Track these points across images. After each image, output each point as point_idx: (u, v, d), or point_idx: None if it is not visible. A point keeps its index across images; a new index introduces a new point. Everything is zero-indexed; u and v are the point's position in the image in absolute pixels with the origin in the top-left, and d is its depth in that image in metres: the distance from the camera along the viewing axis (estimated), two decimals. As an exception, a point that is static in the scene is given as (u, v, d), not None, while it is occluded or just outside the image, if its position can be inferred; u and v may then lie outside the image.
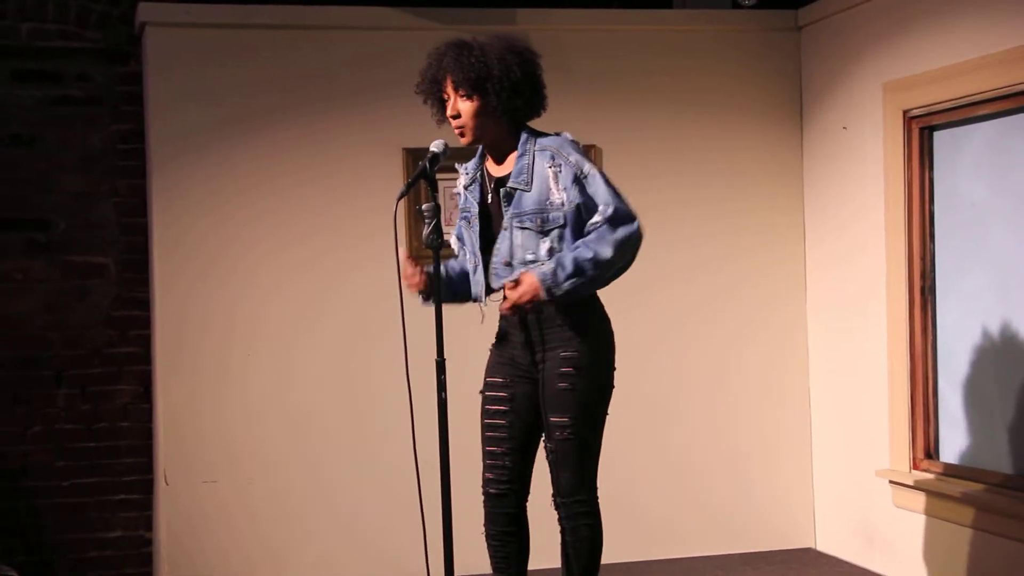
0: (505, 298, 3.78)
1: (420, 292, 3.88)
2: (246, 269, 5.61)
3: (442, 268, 3.92)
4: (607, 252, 3.71)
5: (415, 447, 3.78)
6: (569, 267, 3.69)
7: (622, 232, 3.73)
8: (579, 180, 3.78)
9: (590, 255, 3.70)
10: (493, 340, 4.02)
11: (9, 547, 5.59)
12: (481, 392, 3.98)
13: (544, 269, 3.70)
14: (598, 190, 3.78)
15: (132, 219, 5.82)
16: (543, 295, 3.69)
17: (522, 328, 3.86)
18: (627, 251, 3.76)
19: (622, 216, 3.75)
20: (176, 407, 5.55)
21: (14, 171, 5.73)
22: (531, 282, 3.70)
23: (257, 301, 5.62)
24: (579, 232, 3.79)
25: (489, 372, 3.98)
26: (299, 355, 5.65)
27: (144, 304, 5.81)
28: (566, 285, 3.69)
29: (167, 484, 5.53)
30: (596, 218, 3.76)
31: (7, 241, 5.73)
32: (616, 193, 3.78)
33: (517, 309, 3.74)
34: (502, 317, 3.95)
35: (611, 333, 3.92)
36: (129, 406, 5.85)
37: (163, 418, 5.57)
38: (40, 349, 5.75)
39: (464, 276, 4.01)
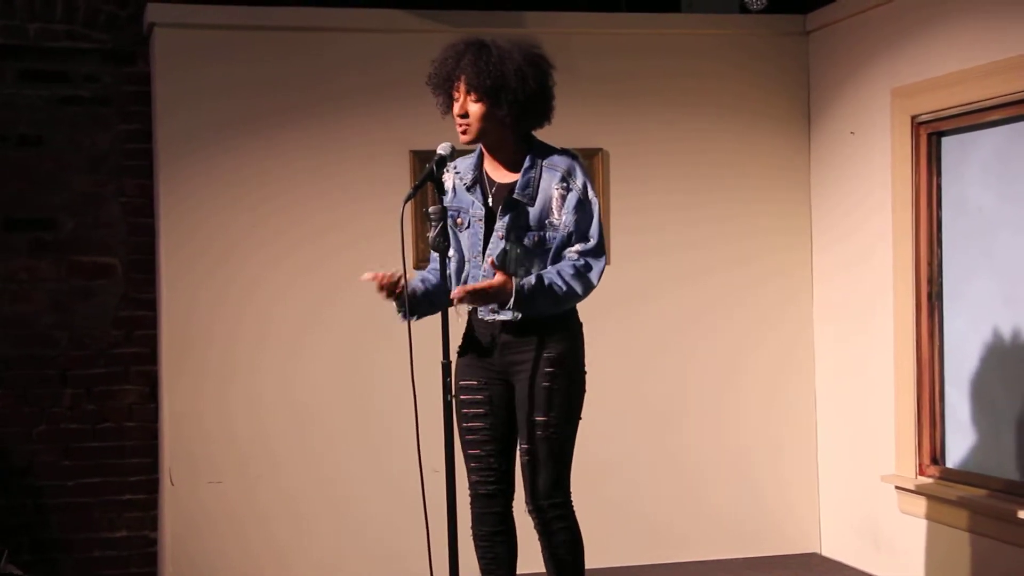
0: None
1: (399, 309, 3.81)
2: (252, 270, 5.62)
3: (418, 283, 3.89)
4: (578, 290, 3.78)
5: (419, 449, 3.78)
6: (546, 293, 3.73)
7: (594, 275, 3.80)
8: (581, 205, 3.80)
9: (565, 289, 3.75)
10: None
11: (15, 546, 5.60)
12: (455, 396, 3.92)
13: (525, 283, 3.72)
14: (591, 221, 3.82)
15: (139, 219, 5.83)
16: (510, 304, 3.71)
17: (498, 330, 3.86)
18: (589, 291, 3.83)
19: (599, 255, 3.82)
20: (182, 407, 5.56)
21: (22, 171, 5.74)
22: (505, 286, 3.69)
23: (263, 302, 5.62)
24: (559, 253, 3.82)
25: (461, 376, 3.94)
26: (305, 356, 5.65)
27: (150, 304, 5.82)
28: (536, 305, 3.73)
29: (172, 484, 5.53)
30: (578, 247, 3.81)
31: (14, 241, 5.74)
32: (601, 229, 3.84)
33: (472, 297, 3.71)
34: (472, 319, 3.93)
35: (583, 336, 3.94)
36: (135, 406, 5.85)
37: (169, 418, 5.58)
38: (46, 349, 5.75)
39: (438, 286, 3.88)
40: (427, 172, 3.76)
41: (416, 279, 3.93)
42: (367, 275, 3.76)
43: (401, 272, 3.76)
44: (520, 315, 3.78)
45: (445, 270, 3.78)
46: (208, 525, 5.54)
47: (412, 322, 3.77)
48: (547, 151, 3.88)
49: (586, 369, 3.93)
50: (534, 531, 3.94)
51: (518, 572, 4.02)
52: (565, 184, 3.81)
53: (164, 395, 5.62)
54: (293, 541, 5.62)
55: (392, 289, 3.75)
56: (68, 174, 5.78)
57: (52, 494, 5.75)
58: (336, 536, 5.65)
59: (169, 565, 5.54)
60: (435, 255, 3.88)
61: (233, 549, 5.56)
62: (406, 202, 3.75)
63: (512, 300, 3.70)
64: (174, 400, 5.57)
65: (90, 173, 5.80)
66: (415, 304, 3.82)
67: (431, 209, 3.73)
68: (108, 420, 5.82)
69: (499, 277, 3.72)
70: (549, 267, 3.81)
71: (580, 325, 3.94)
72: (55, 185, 5.77)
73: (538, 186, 3.82)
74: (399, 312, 3.82)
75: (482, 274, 3.83)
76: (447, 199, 3.92)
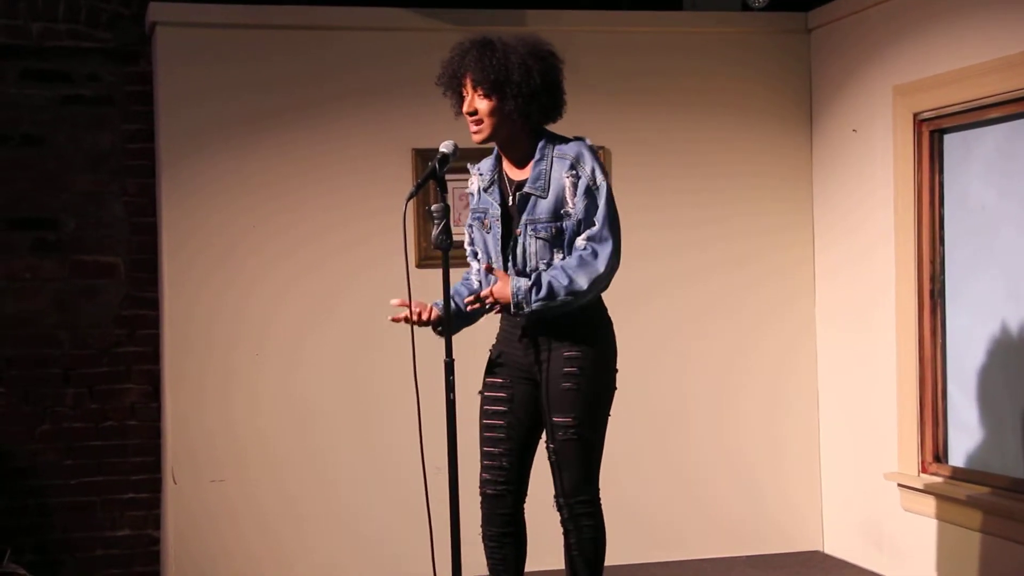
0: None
1: (434, 328, 3.86)
2: (254, 269, 5.62)
3: (455, 297, 3.92)
4: (583, 284, 3.75)
5: (422, 448, 3.78)
6: (543, 291, 3.72)
7: (601, 261, 3.77)
8: (589, 191, 3.80)
9: (566, 283, 3.74)
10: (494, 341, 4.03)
11: (18, 546, 5.60)
12: (480, 392, 3.98)
13: (521, 284, 3.73)
14: (600, 207, 3.81)
15: (141, 218, 5.83)
16: (511, 308, 3.73)
17: (525, 328, 3.86)
18: (601, 285, 3.80)
19: (606, 240, 3.78)
20: (184, 406, 5.56)
21: (24, 170, 5.75)
22: (503, 291, 3.74)
23: (265, 301, 5.62)
24: (572, 242, 3.83)
25: (488, 372, 3.98)
26: (307, 355, 5.66)
27: (153, 303, 5.82)
28: (536, 305, 3.73)
29: (175, 483, 5.54)
30: (584, 235, 3.80)
31: (17, 240, 5.74)
32: (611, 214, 3.81)
33: (479, 304, 3.78)
34: (504, 318, 3.95)
35: (613, 335, 3.93)
36: (137, 405, 5.85)
37: (171, 417, 5.58)
38: (49, 348, 5.76)
39: (465, 294, 3.97)
40: (429, 170, 3.76)
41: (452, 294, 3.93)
42: (395, 301, 3.83)
43: (430, 307, 3.81)
44: (538, 316, 3.79)
45: (447, 269, 3.76)
46: (210, 524, 5.55)
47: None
48: (557, 141, 3.88)
49: (617, 368, 3.92)
50: (544, 529, 3.94)
51: (531, 569, 4.03)
52: (574, 172, 3.81)
53: (166, 394, 5.63)
54: (295, 539, 5.62)
55: (421, 322, 3.81)
56: (70, 174, 5.79)
57: (55, 493, 5.76)
58: (338, 535, 5.65)
59: (172, 564, 5.54)
60: (473, 264, 4.00)
61: (235, 547, 5.57)
62: (408, 200, 3.76)
63: (512, 305, 3.73)
64: (176, 399, 5.57)
65: (92, 172, 5.81)
66: (447, 324, 3.81)
67: (434, 207, 3.73)
68: (111, 419, 5.82)
69: (499, 283, 3.75)
70: (557, 263, 3.81)
71: (609, 323, 3.92)
72: (57, 185, 5.77)
73: (550, 177, 3.83)
74: (435, 331, 3.86)
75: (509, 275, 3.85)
76: (473, 202, 3.98)
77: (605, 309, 3.93)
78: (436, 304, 3.86)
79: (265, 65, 5.62)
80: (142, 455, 5.85)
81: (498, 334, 4.00)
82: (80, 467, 5.78)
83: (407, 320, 3.83)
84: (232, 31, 5.60)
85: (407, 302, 3.81)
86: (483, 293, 3.77)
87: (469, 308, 3.83)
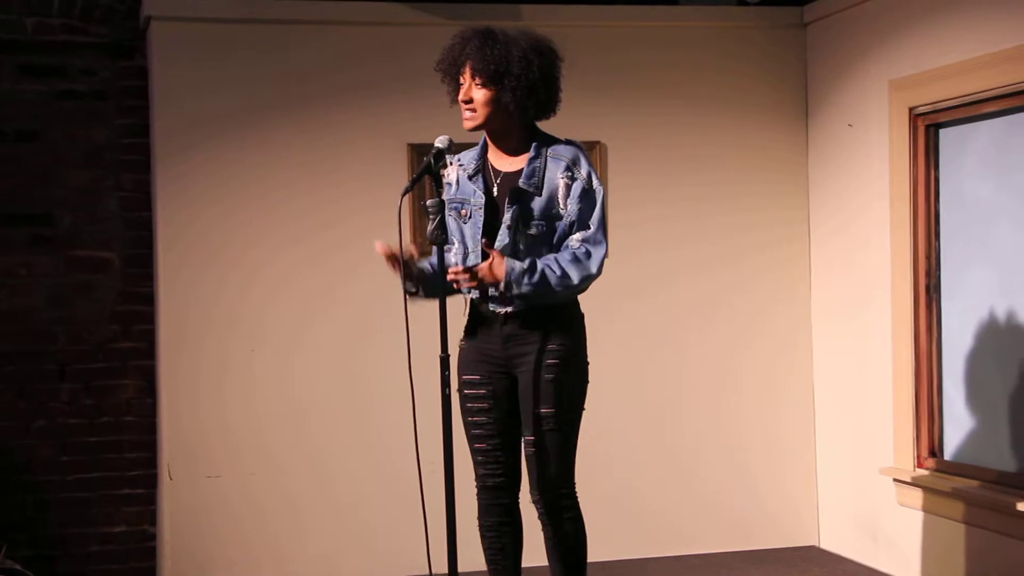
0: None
1: (407, 288, 3.84)
2: (250, 264, 5.62)
3: (426, 264, 3.90)
4: (574, 278, 3.77)
5: (417, 442, 3.78)
6: (536, 277, 3.73)
7: (594, 262, 3.80)
8: (586, 194, 3.81)
9: (559, 273, 3.75)
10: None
11: (13, 541, 5.59)
12: (459, 391, 3.96)
13: (516, 265, 3.73)
14: (593, 210, 3.83)
15: (136, 214, 5.82)
16: (501, 286, 3.72)
17: (501, 323, 3.86)
18: (586, 285, 3.83)
19: (599, 243, 3.82)
20: (179, 402, 5.56)
21: (19, 165, 5.74)
22: (497, 268, 3.71)
23: (261, 296, 5.62)
24: (561, 242, 3.84)
25: (464, 370, 3.97)
26: (302, 350, 5.65)
27: (148, 299, 5.81)
28: (525, 289, 3.74)
29: (171, 479, 5.53)
30: (577, 236, 3.82)
31: (12, 235, 5.73)
32: (603, 218, 3.84)
33: (467, 278, 3.72)
34: (474, 312, 3.94)
35: (585, 329, 3.95)
36: (133, 401, 5.84)
37: (166, 413, 5.58)
38: (44, 344, 5.75)
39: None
40: (425, 165, 3.77)
41: (424, 261, 3.93)
42: (378, 244, 3.79)
43: (405, 246, 3.77)
44: (520, 301, 3.78)
45: (443, 264, 3.77)
46: (207, 519, 5.55)
47: (412, 307, 3.80)
48: (551, 141, 3.90)
49: (588, 361, 3.94)
50: (538, 524, 3.94)
51: (526, 566, 4.03)
52: (570, 173, 3.82)
53: (162, 390, 5.62)
54: (291, 534, 5.62)
55: (394, 258, 3.77)
56: (65, 169, 5.78)
57: (50, 489, 5.75)
58: (334, 529, 5.65)
59: (168, 559, 5.54)
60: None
61: (232, 543, 5.57)
62: (404, 195, 3.77)
63: (503, 283, 3.71)
64: (172, 394, 5.57)
65: (87, 168, 5.80)
66: (422, 278, 3.85)
67: (429, 202, 3.73)
68: (106, 415, 5.81)
69: (493, 260, 3.73)
70: (549, 255, 3.81)
71: (582, 317, 3.95)
72: (52, 180, 5.76)
73: (543, 176, 3.84)
74: (406, 292, 3.83)
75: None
76: (450, 192, 3.95)
77: (578, 303, 3.95)
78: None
79: (260, 60, 5.62)
80: (138, 451, 5.84)
81: (467, 329, 3.99)
82: (76, 463, 5.77)
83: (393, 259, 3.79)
84: (227, 26, 5.59)
85: (392, 248, 3.77)
86: (477, 267, 3.74)
87: (452, 279, 3.75)
